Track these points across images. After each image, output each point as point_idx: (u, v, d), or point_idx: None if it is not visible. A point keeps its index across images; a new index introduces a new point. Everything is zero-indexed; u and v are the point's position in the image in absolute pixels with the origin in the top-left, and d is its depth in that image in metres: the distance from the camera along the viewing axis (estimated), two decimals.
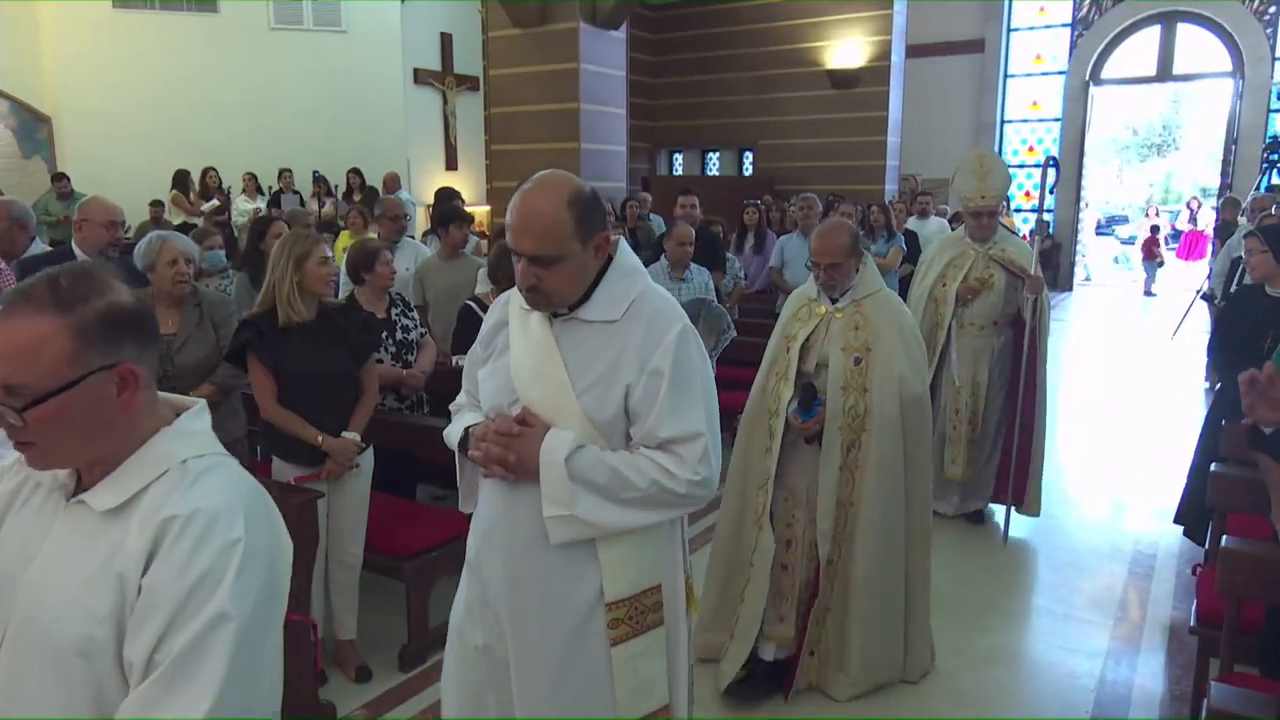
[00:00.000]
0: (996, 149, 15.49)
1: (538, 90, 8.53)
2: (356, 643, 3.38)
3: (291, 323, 3.13)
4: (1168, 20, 14.12)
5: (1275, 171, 11.78)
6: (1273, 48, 13.39)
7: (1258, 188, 11.17)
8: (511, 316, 1.91)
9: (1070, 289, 15.29)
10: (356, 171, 11.29)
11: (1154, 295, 14.65)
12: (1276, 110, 13.53)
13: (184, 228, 7.57)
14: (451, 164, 13.61)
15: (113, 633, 1.16)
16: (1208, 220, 15.96)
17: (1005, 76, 15.42)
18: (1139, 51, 14.52)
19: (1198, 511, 3.91)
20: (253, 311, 3.22)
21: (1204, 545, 3.90)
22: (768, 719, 3.06)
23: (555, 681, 1.81)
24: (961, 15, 15.01)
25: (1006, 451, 4.61)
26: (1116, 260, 19.47)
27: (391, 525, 3.52)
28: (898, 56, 13.56)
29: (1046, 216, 14.95)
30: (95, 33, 11.54)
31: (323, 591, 3.31)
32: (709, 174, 16.43)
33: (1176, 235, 17.45)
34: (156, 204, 10.03)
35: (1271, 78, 13.45)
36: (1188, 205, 17.12)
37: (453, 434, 1.98)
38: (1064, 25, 14.88)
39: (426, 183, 12.52)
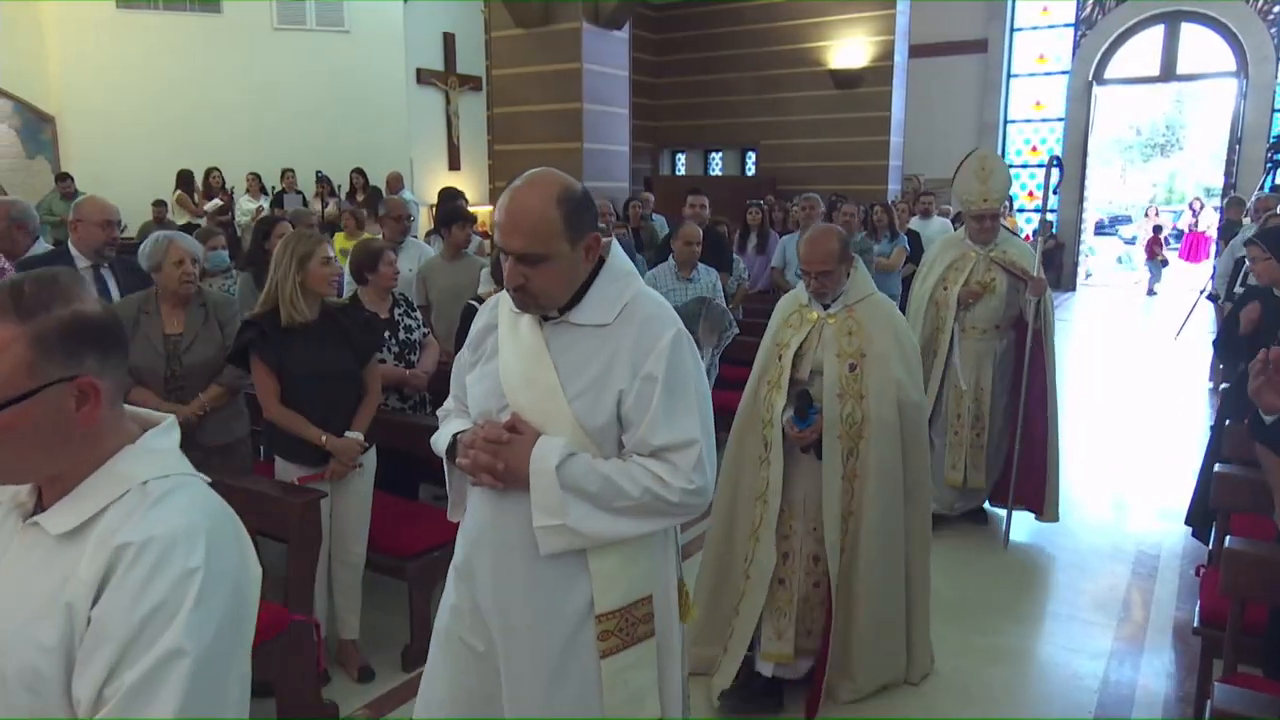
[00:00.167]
0: (1000, 149, 15.48)
1: (540, 90, 8.53)
2: (359, 642, 3.38)
3: (294, 323, 3.13)
4: (1171, 20, 14.10)
5: (1279, 171, 11.76)
6: (1277, 47, 13.37)
7: (1262, 187, 11.14)
8: (501, 320, 1.86)
9: (1074, 289, 15.28)
10: (360, 171, 11.30)
11: (1155, 295, 14.62)
12: None
13: (187, 228, 7.57)
14: (454, 164, 13.62)
15: (60, 666, 1.09)
16: (1210, 220, 15.94)
17: (1008, 76, 15.40)
18: (1142, 51, 14.51)
19: (1207, 512, 3.89)
20: (255, 311, 3.22)
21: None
22: (772, 719, 3.06)
23: (546, 693, 1.78)
24: (964, 15, 15.00)
25: (1008, 455, 4.57)
26: (1120, 260, 19.44)
27: (394, 525, 3.52)
28: (901, 56, 13.55)
29: (1050, 216, 15.02)
30: (98, 33, 11.56)
31: (326, 591, 3.31)
32: (712, 174, 16.43)
33: (1178, 235, 17.40)
34: (159, 204, 10.05)
35: (1276, 77, 13.42)
36: (1190, 206, 17.08)
37: (440, 440, 1.93)
38: (1067, 25, 14.87)
39: (429, 183, 12.54)
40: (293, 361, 3.14)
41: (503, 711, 1.84)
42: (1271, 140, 13.16)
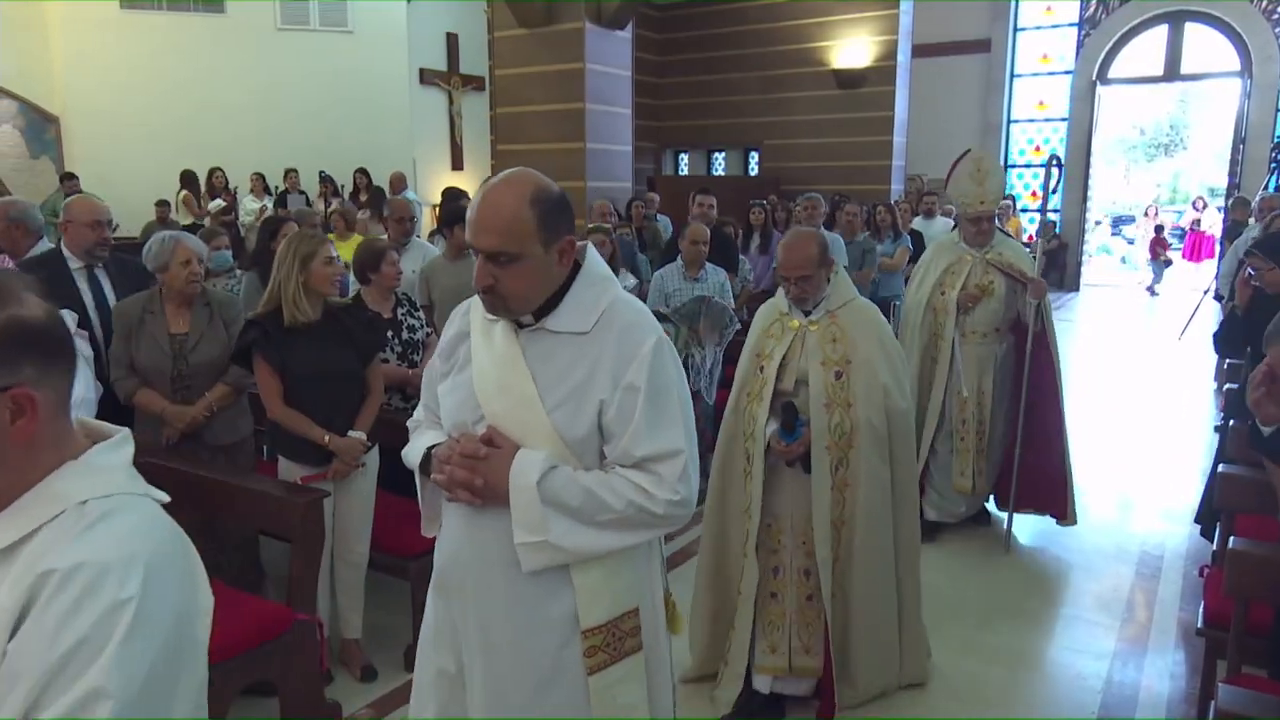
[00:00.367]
0: (1003, 149, 15.47)
1: (543, 90, 8.54)
2: (362, 642, 3.39)
3: (297, 323, 3.14)
4: (1175, 20, 14.08)
5: None
6: None
7: (1266, 187, 11.13)
8: (473, 328, 1.79)
9: (1077, 289, 15.25)
10: (363, 171, 11.31)
11: (1157, 295, 14.60)
12: None
13: (190, 228, 7.57)
14: (457, 164, 13.63)
15: None
16: (1213, 220, 15.91)
17: (1012, 76, 15.39)
18: (1146, 51, 14.49)
19: (1214, 512, 3.88)
20: (258, 311, 3.22)
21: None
22: None
23: (531, 712, 1.73)
24: (968, 15, 14.99)
25: (1009, 458, 4.51)
26: (1124, 260, 19.41)
27: (397, 524, 3.52)
28: (904, 56, 13.54)
29: (1053, 216, 15.00)
30: (103, 33, 11.58)
31: (328, 591, 3.32)
32: (715, 174, 16.42)
33: (1180, 235, 17.36)
34: (163, 204, 10.07)
35: None
36: (1193, 205, 17.04)
37: (412, 454, 1.86)
38: (1071, 25, 14.85)
39: (432, 183, 12.55)
40: (296, 361, 3.14)
41: None
42: (1276, 140, 13.15)
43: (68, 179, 9.99)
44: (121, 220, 10.62)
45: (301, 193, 11.21)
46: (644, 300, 5.34)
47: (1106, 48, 14.51)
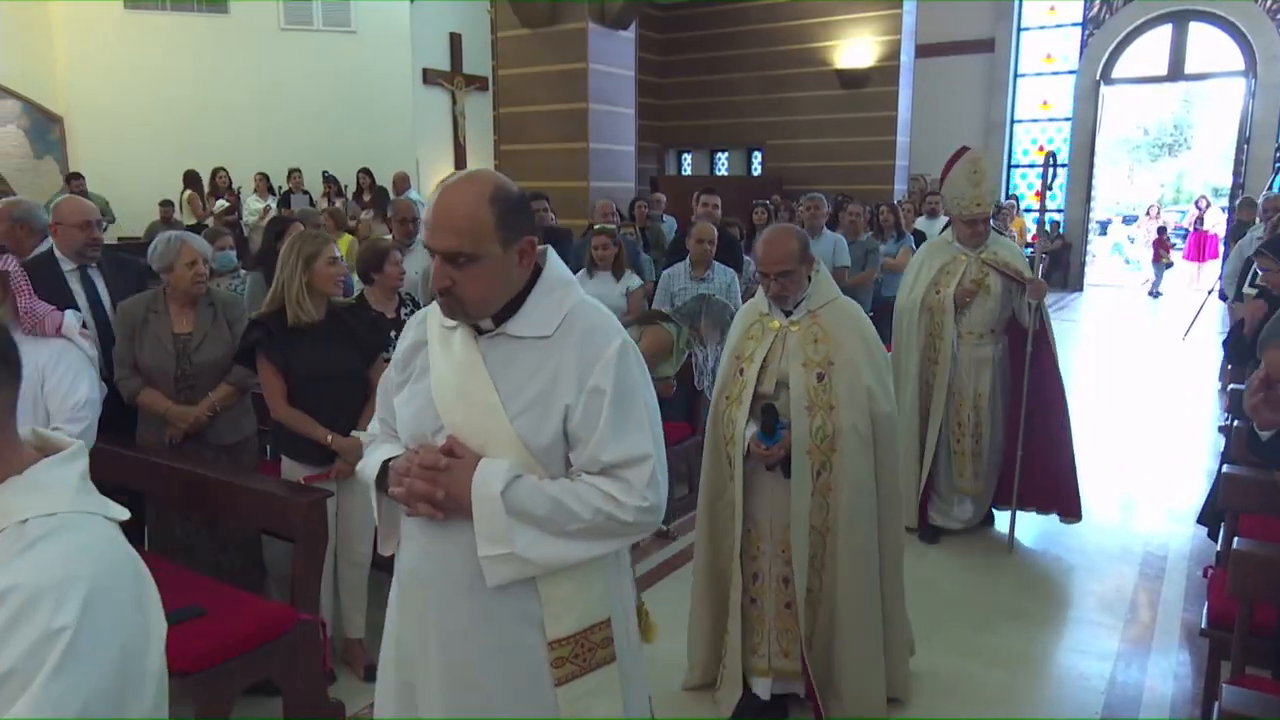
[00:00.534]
0: (1006, 149, 15.45)
1: (547, 90, 8.55)
2: (365, 641, 3.38)
3: (300, 323, 3.14)
4: (1179, 19, 14.05)
5: None
6: None
7: (1270, 187, 11.09)
8: (431, 335, 1.73)
9: (1081, 289, 15.22)
10: (366, 171, 11.32)
11: (1159, 295, 14.56)
12: None
13: (194, 228, 7.60)
14: (460, 164, 13.64)
15: None
16: (1215, 219, 15.87)
17: (1015, 76, 15.37)
18: (1150, 51, 14.46)
19: (1219, 512, 3.87)
20: (262, 311, 3.23)
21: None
22: None
23: None
24: (971, 15, 14.97)
25: (1010, 459, 4.45)
26: (1128, 261, 19.37)
27: None
28: (907, 56, 13.53)
29: (1057, 216, 14.98)
30: (106, 33, 11.61)
31: (332, 590, 3.32)
32: (717, 174, 16.42)
33: (1183, 235, 17.31)
34: (166, 204, 10.09)
35: None
36: (1195, 204, 17.00)
37: (368, 469, 1.78)
38: (1075, 24, 14.82)
39: (435, 183, 12.50)
40: (299, 361, 3.15)
41: None
42: None
43: (74, 179, 10.01)
44: (125, 220, 10.71)
45: (305, 193, 11.23)
46: (651, 299, 5.38)
47: (1110, 47, 14.48)
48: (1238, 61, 13.82)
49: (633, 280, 5.22)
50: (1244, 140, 13.81)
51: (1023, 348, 4.32)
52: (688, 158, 16.86)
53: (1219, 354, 8.71)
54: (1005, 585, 4.13)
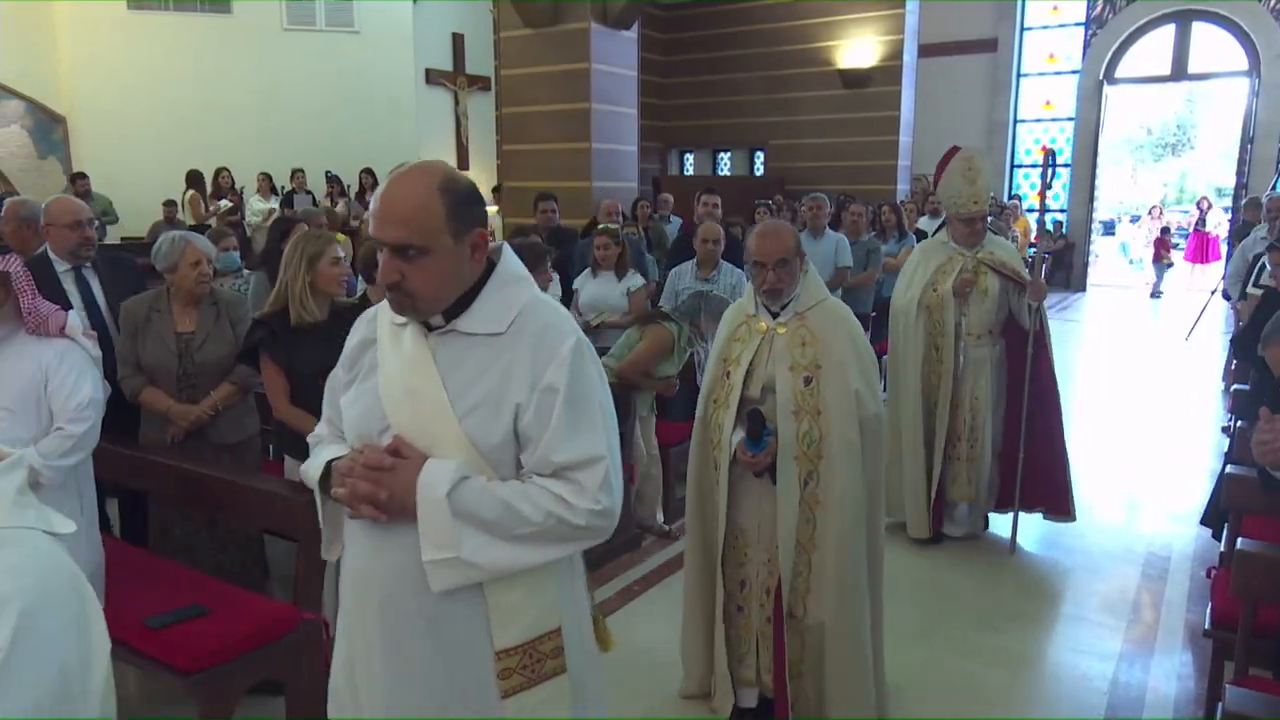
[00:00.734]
0: (1009, 149, 15.43)
1: (549, 90, 8.55)
2: None
3: (304, 322, 3.14)
4: (1183, 19, 14.03)
5: None
6: None
7: (1273, 187, 11.08)
8: (380, 333, 1.68)
9: (1084, 289, 15.20)
10: (369, 171, 11.34)
11: (1160, 296, 14.53)
12: None
13: (195, 228, 7.60)
14: (463, 164, 13.65)
15: None
16: (1216, 220, 15.85)
17: (1018, 76, 15.35)
18: (1153, 50, 14.44)
19: (1223, 513, 3.85)
20: (265, 311, 3.24)
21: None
22: None
23: None
24: (974, 14, 14.95)
25: (1011, 461, 4.39)
26: (1131, 261, 19.34)
27: None
28: (910, 56, 13.52)
29: (1060, 216, 14.96)
30: (110, 34, 11.63)
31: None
32: (720, 174, 16.42)
33: (1185, 235, 17.28)
34: (170, 204, 10.10)
35: None
36: (1197, 205, 16.96)
37: (311, 470, 1.72)
38: (1078, 24, 14.81)
39: None
40: (302, 361, 3.15)
41: None
42: None
43: (78, 179, 10.03)
44: (128, 220, 10.72)
45: (308, 193, 11.25)
46: (658, 298, 5.38)
47: (1113, 47, 14.46)
48: (1241, 61, 13.79)
49: (635, 280, 5.22)
50: (1247, 140, 13.79)
51: (1020, 349, 4.28)
52: (690, 158, 16.86)
53: (1222, 355, 8.70)
54: (1007, 585, 4.12)
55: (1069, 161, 14.73)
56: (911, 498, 4.43)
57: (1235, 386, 4.82)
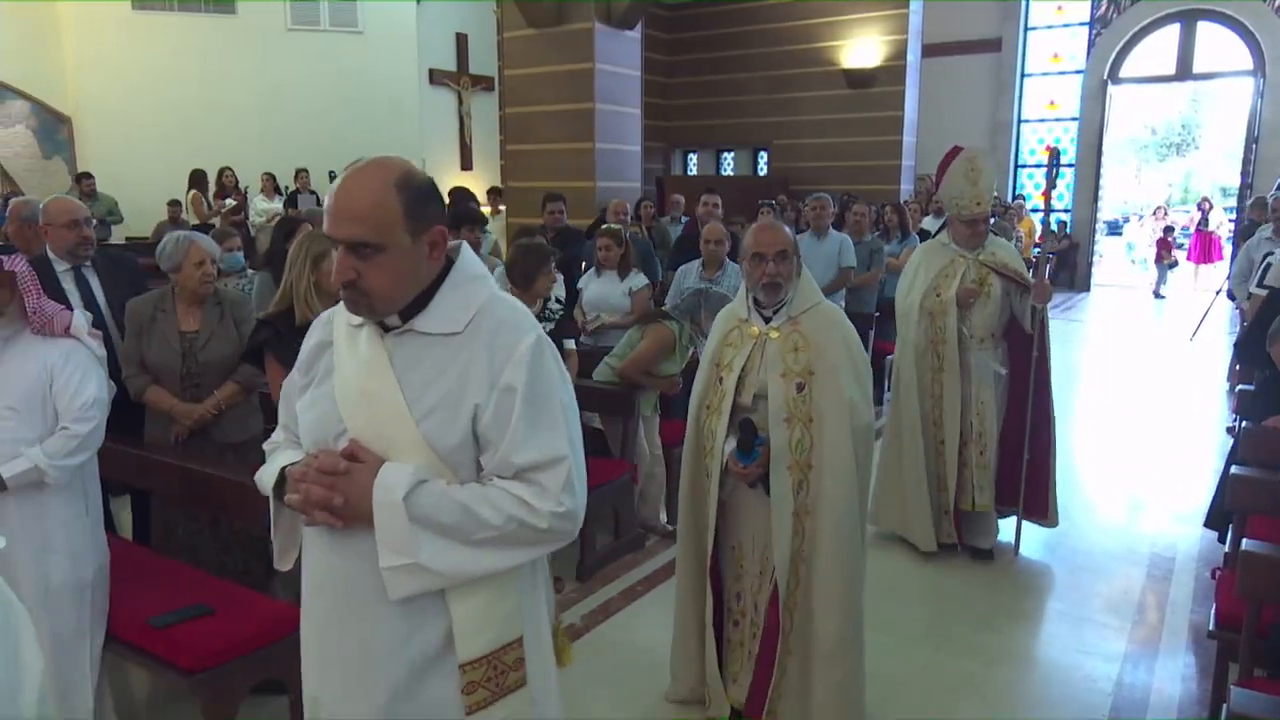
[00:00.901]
0: (1013, 148, 15.41)
1: (553, 90, 8.56)
2: None
3: (308, 322, 3.13)
4: (1187, 19, 13.99)
5: None
6: None
7: (1279, 187, 11.04)
8: (337, 335, 1.62)
9: (1088, 289, 15.18)
10: None
11: (1163, 298, 14.49)
12: None
13: (198, 229, 7.61)
14: (466, 164, 13.66)
15: None
16: (1219, 220, 15.80)
17: (1022, 76, 15.32)
18: (1158, 50, 14.40)
19: (1227, 514, 3.82)
20: (270, 311, 3.24)
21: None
22: None
23: None
24: (978, 14, 14.93)
25: (1014, 466, 4.30)
26: (1133, 261, 19.31)
27: None
28: (914, 56, 13.51)
29: (1064, 216, 14.93)
30: (114, 34, 11.66)
31: None
32: (723, 174, 16.42)
33: (1189, 235, 17.25)
34: (174, 204, 10.13)
35: None
36: (1199, 206, 16.92)
37: (266, 477, 1.67)
38: (1082, 24, 14.78)
39: (442, 183, 12.28)
40: None
41: None
42: None
43: (83, 178, 10.05)
44: (133, 220, 10.75)
45: (312, 193, 11.26)
46: (663, 298, 5.38)
47: (1118, 47, 14.43)
48: (1246, 61, 13.76)
49: (637, 280, 5.22)
50: (1252, 140, 13.75)
51: (1022, 352, 4.20)
52: (694, 157, 16.86)
53: (1227, 355, 8.68)
54: (1011, 586, 4.12)
55: (1073, 161, 14.71)
56: (916, 509, 4.29)
57: (1240, 387, 4.80)
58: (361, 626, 1.55)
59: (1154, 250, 15.32)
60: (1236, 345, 4.19)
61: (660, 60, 15.64)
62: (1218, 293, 10.34)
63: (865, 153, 13.76)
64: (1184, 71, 14.42)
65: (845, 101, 14.00)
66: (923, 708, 3.12)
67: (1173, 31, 14.19)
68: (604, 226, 5.59)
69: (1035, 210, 14.58)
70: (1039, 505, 4.36)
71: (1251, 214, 9.76)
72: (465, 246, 1.65)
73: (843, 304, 6.58)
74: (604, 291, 5.24)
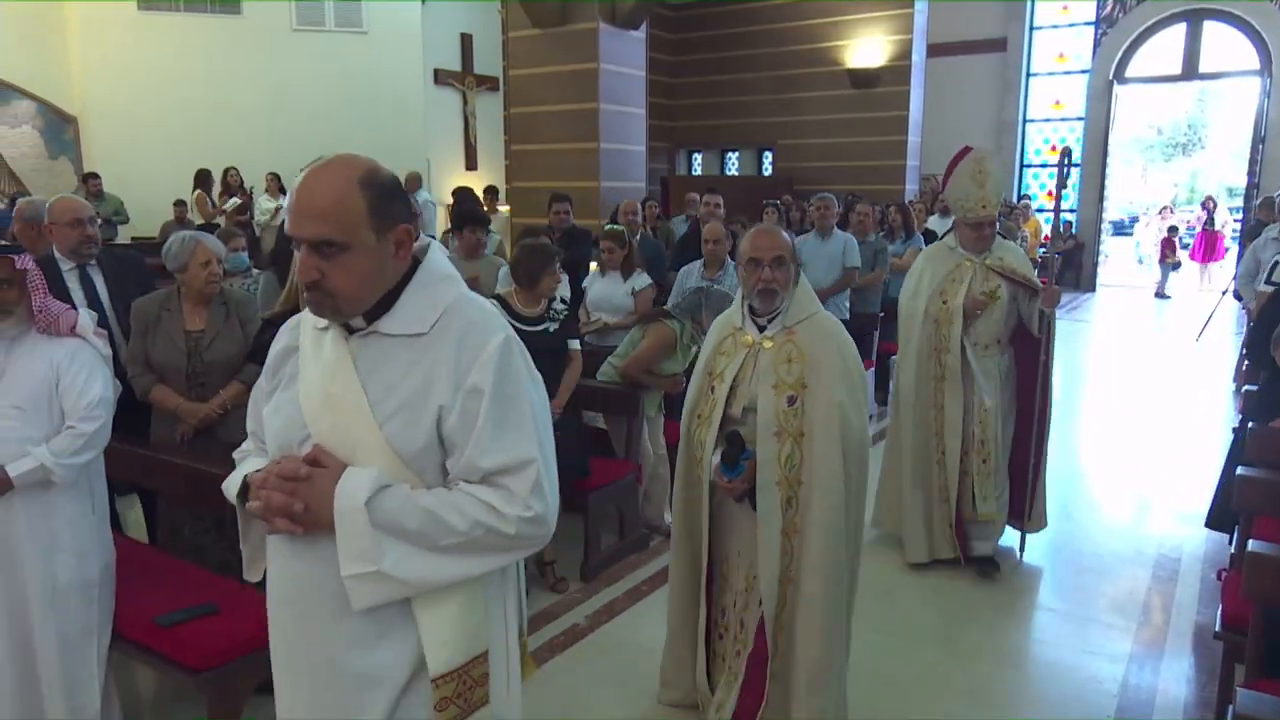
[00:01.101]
0: (1018, 148, 15.38)
1: (557, 90, 8.56)
2: None
3: None
4: (1193, 18, 13.96)
5: None
6: None
7: None
8: (303, 339, 1.58)
9: (1093, 290, 15.15)
10: None
11: (1168, 298, 14.45)
12: None
13: (205, 229, 7.63)
14: (471, 164, 13.67)
15: None
16: (1224, 220, 15.76)
17: (1028, 75, 15.30)
18: (1164, 50, 14.38)
19: (1229, 512, 3.80)
20: (275, 311, 3.24)
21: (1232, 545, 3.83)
22: None
23: None
24: (983, 14, 14.91)
25: (1021, 471, 4.24)
26: (1140, 260, 19.27)
27: None
28: (918, 56, 13.50)
29: (1070, 216, 14.89)
30: (120, 34, 11.68)
31: None
32: (728, 174, 16.41)
33: (1192, 234, 17.22)
34: (180, 204, 10.15)
35: None
36: (1203, 205, 16.87)
37: (230, 484, 1.62)
38: (1088, 24, 14.75)
39: (446, 183, 12.60)
40: None
41: None
42: None
43: (90, 178, 10.08)
44: (138, 220, 10.77)
45: None
46: (666, 297, 5.38)
47: (1124, 46, 14.40)
48: (1253, 60, 13.72)
49: (640, 280, 5.23)
50: (1259, 139, 13.71)
51: (1029, 358, 4.12)
52: (698, 158, 16.86)
53: (1233, 355, 8.66)
54: (1016, 586, 4.11)
55: (1078, 161, 14.68)
56: (910, 519, 4.22)
57: (1246, 387, 4.78)
58: (327, 637, 1.50)
59: (1158, 250, 15.29)
60: (1245, 345, 4.15)
61: (665, 60, 15.64)
62: (1224, 293, 10.31)
63: (870, 153, 13.74)
64: (1190, 71, 14.38)
65: (850, 101, 13.98)
66: (927, 708, 3.11)
67: (1179, 31, 14.15)
68: (607, 228, 5.60)
69: (1040, 210, 14.57)
70: (1019, 507, 4.25)
71: (1259, 214, 9.72)
72: (434, 245, 1.61)
73: (848, 304, 6.58)
74: (607, 291, 5.24)
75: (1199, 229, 16.29)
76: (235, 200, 10.81)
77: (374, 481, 1.42)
